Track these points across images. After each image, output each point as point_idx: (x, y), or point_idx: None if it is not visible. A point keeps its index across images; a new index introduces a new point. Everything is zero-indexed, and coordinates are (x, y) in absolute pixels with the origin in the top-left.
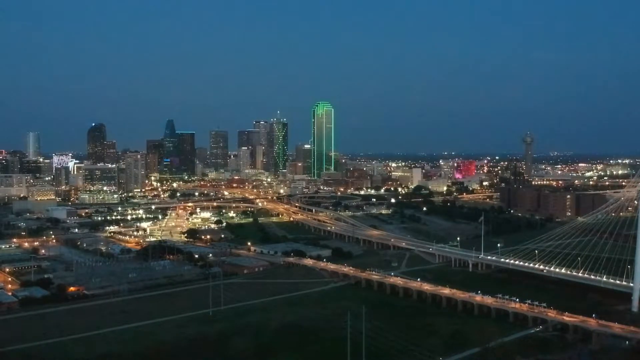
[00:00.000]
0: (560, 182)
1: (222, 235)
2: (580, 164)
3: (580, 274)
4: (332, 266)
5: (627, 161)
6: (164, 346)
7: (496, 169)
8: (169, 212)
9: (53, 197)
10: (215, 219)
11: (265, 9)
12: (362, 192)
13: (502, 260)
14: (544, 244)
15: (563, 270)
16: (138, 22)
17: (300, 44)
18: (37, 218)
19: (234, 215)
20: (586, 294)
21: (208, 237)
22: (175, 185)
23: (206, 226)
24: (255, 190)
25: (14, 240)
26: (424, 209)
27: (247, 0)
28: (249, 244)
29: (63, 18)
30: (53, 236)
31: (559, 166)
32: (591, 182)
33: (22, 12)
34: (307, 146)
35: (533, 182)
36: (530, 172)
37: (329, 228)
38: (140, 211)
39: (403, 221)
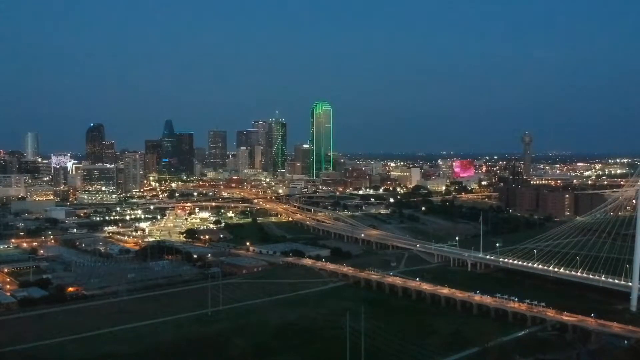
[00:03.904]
0: (558, 181)
1: (221, 235)
2: (578, 164)
3: (579, 274)
4: (331, 266)
5: (625, 160)
6: (163, 346)
7: (495, 169)
8: (168, 212)
9: (52, 198)
10: (214, 219)
11: (264, 9)
12: (360, 192)
13: (501, 259)
14: (543, 243)
15: (562, 270)
16: (137, 22)
17: (299, 43)
18: (36, 218)
19: (233, 215)
20: (585, 294)
21: (207, 237)
22: (173, 185)
23: (205, 226)
24: (254, 190)
25: (13, 240)
26: (423, 208)
27: (246, 0)
28: (247, 244)
29: (61, 18)
30: (52, 236)
31: (558, 166)
32: (590, 182)
33: (20, 12)
34: (305, 146)
35: (532, 182)
36: (529, 172)
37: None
38: (139, 211)
39: (402, 221)
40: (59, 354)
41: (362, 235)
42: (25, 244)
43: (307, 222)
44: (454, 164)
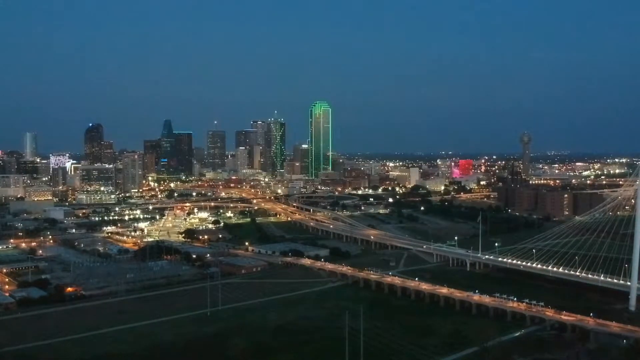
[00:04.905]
0: (557, 181)
1: (220, 235)
2: (577, 163)
3: (577, 273)
4: (330, 266)
5: (624, 160)
6: (162, 346)
7: (494, 169)
8: (167, 212)
9: (50, 198)
10: (213, 219)
11: (263, 9)
12: (359, 192)
13: (500, 259)
14: (542, 243)
15: (561, 270)
16: (135, 21)
17: (298, 43)
18: (35, 218)
19: (232, 215)
20: (584, 293)
21: (206, 237)
22: (172, 185)
23: (204, 226)
24: (253, 190)
25: (12, 240)
26: (422, 208)
27: (244, 0)
28: (246, 243)
29: (60, 18)
30: (50, 237)
31: (557, 165)
32: (588, 181)
33: (19, 12)
34: (304, 146)
35: (530, 182)
36: (528, 172)
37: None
38: (138, 211)
39: (401, 221)
40: (58, 354)
41: (361, 235)
42: (24, 244)
43: (306, 222)
44: (452, 163)
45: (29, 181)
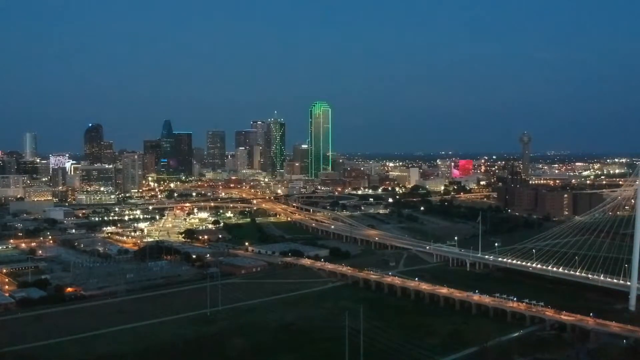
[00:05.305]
0: (557, 181)
1: (220, 236)
2: (577, 163)
3: (577, 273)
4: (330, 266)
5: (624, 160)
6: (162, 347)
7: (493, 169)
8: (167, 212)
9: (50, 198)
10: (213, 219)
11: (263, 9)
12: (359, 192)
13: (500, 259)
14: (542, 243)
15: (561, 270)
16: (135, 22)
17: (297, 43)
18: (34, 219)
19: (232, 215)
20: (584, 293)
21: (206, 237)
22: (172, 185)
23: (204, 226)
24: (252, 190)
25: (11, 241)
26: (422, 208)
27: (245, 0)
28: (246, 244)
29: (60, 18)
30: (50, 237)
31: (556, 165)
32: (588, 181)
33: (19, 11)
34: (304, 146)
35: (530, 182)
36: (528, 172)
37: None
38: (138, 212)
39: (401, 221)
40: (58, 355)
41: (361, 235)
42: (23, 245)
43: (306, 222)
44: (452, 163)
45: (28, 181)
